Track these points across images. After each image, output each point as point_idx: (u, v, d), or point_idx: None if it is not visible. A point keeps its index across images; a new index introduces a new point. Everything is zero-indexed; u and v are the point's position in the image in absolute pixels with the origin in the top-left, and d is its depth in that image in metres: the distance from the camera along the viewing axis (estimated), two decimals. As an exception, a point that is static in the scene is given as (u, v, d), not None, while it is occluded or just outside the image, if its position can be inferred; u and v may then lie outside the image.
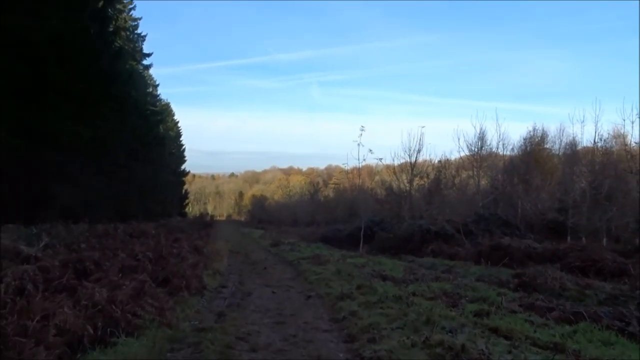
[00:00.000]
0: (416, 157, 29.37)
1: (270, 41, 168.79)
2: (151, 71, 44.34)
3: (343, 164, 21.41)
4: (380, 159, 25.77)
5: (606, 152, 28.14)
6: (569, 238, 21.54)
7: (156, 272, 7.04)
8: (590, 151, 30.03)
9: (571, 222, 21.59)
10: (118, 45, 30.39)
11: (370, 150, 20.61)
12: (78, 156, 21.28)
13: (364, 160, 20.44)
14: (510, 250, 13.68)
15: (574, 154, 35.22)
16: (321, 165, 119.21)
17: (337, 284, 8.85)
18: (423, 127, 29.44)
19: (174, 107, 58.16)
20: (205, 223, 32.67)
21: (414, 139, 29.22)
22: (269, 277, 10.73)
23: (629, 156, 24.44)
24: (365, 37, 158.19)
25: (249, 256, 16.15)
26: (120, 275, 6.49)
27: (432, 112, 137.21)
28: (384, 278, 9.89)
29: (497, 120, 30.82)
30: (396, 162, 30.03)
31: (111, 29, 28.55)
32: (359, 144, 19.49)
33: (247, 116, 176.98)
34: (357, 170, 22.27)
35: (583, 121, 25.71)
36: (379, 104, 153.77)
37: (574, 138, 34.72)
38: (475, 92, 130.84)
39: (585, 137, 28.43)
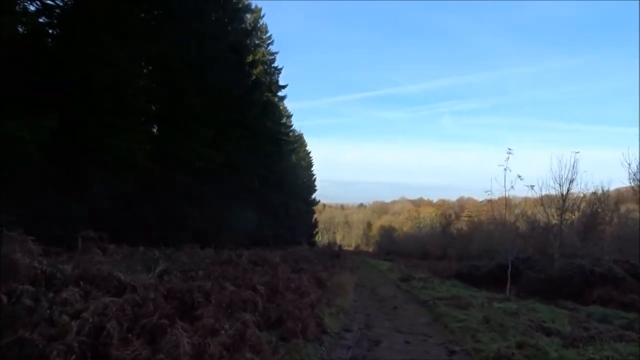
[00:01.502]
0: (568, 187, 25.63)
1: (402, 72, 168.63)
2: (285, 102, 45.68)
3: (486, 192, 18.77)
4: (532, 186, 22.51)
5: None
6: None
7: (268, 310, 5.98)
8: None
9: None
10: (255, 76, 31.60)
11: (520, 176, 17.81)
12: (211, 181, 21.85)
13: (512, 187, 17.79)
14: None
15: None
16: (453, 197, 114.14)
17: (487, 337, 7.08)
18: (577, 152, 25.35)
19: (306, 138, 59.64)
20: (333, 253, 31.77)
21: (565, 166, 25.54)
22: (400, 319, 9.21)
23: None
24: (499, 63, 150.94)
25: (376, 291, 14.75)
26: (229, 311, 5.52)
27: (581, 141, 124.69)
28: (548, 333, 7.83)
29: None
30: (543, 192, 26.43)
31: (249, 61, 29.75)
32: (505, 169, 17.00)
33: (377, 147, 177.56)
34: (504, 199, 19.49)
35: None
36: (517, 133, 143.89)
37: None
38: (629, 118, 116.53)
39: None
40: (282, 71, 41.47)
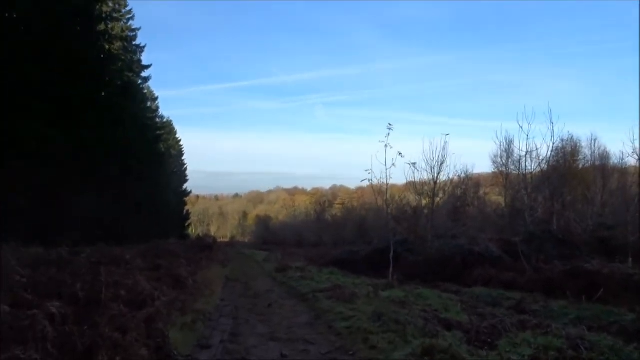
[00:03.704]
0: (439, 170, 25.99)
1: (275, 63, 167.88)
2: (153, 88, 41.82)
3: (366, 171, 17.68)
4: (414, 164, 22.14)
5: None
6: (630, 259, 18.31)
7: (71, 337, 3.86)
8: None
9: (632, 240, 18.31)
10: (109, 50, 27.87)
11: (400, 153, 16.94)
12: (57, 167, 18.30)
13: (394, 164, 16.87)
14: (599, 279, 10.39)
15: (604, 167, 32.41)
16: (326, 186, 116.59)
17: (383, 339, 5.64)
18: (447, 135, 25.79)
19: (177, 127, 55.78)
20: (205, 245, 29.32)
21: (436, 149, 25.87)
22: (276, 321, 7.51)
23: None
24: (371, 57, 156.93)
25: (250, 286, 12.97)
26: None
27: (446, 132, 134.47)
28: (448, 326, 6.67)
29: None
30: (416, 177, 26.51)
31: (101, 30, 25.98)
32: (386, 145, 16.04)
33: (251, 137, 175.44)
34: (379, 184, 18.56)
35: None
36: (387, 125, 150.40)
37: (605, 149, 32.04)
38: (488, 112, 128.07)
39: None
40: (146, 50, 37.44)
